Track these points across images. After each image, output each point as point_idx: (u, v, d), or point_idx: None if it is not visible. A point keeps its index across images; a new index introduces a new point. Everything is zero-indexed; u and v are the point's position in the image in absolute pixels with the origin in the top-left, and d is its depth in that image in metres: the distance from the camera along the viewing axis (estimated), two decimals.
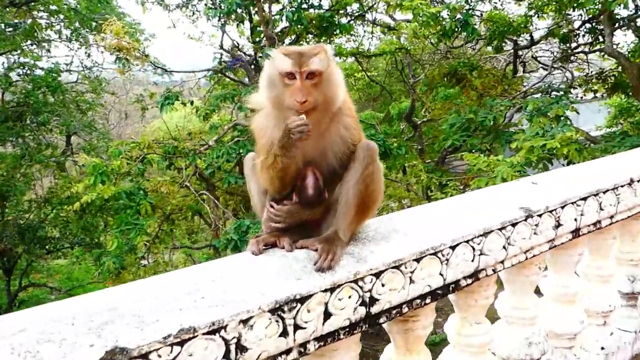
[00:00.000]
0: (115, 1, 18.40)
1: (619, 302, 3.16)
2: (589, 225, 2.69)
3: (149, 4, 12.23)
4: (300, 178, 1.93)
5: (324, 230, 1.92)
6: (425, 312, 2.08)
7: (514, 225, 2.25)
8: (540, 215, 2.37)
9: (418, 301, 1.95)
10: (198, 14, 13.58)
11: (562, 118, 9.47)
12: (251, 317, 1.47)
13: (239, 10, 11.67)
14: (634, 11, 14.14)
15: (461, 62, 14.37)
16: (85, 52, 17.35)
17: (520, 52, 18.60)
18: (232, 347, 1.44)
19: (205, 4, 12.06)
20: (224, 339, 1.42)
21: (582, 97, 16.32)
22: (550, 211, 2.42)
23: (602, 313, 3.06)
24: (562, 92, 11.23)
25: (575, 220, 2.57)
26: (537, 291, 2.85)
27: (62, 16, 16.33)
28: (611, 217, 2.83)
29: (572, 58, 17.73)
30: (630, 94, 15.07)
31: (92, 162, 9.44)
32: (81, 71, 17.88)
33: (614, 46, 13.53)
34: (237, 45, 13.25)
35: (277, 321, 1.53)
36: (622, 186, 2.83)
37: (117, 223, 9.75)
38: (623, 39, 16.45)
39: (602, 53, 15.18)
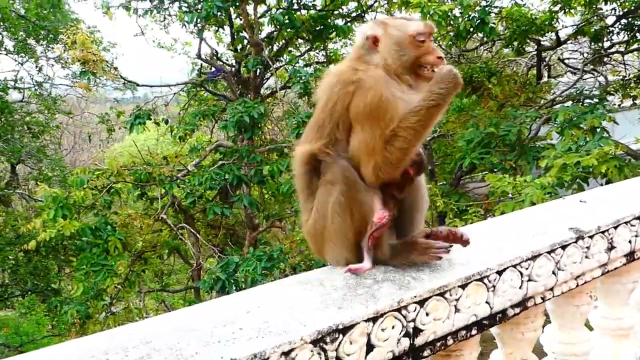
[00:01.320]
0: (68, 5, 18.67)
1: None
2: None
3: (113, 9, 12.45)
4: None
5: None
6: (470, 345, 2.22)
7: (563, 247, 2.41)
8: (591, 237, 2.53)
9: (463, 332, 2.10)
10: (170, 19, 13.85)
11: (598, 130, 9.70)
12: (293, 349, 1.62)
13: (218, 14, 11.94)
14: None
15: (477, 68, 14.65)
16: (36, 66, 17.55)
17: (544, 54, 18.99)
18: None
19: (180, 7, 12.33)
20: None
21: (619, 105, 16.61)
22: (602, 232, 2.59)
23: None
24: (596, 100, 11.49)
25: (630, 242, 2.74)
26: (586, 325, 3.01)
27: (4, 24, 16.55)
28: None
29: (605, 59, 18.11)
30: None
31: (52, 193, 9.55)
32: (30, 88, 18.07)
33: None
34: (215, 54, 13.50)
35: (319, 353, 1.67)
36: None
37: (81, 264, 9.83)
38: None
39: None
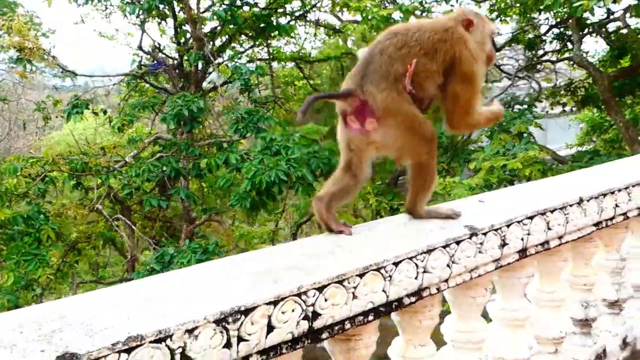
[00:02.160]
0: None
1: (571, 328, 3.62)
2: (536, 245, 3.12)
3: None
4: None
5: None
6: (368, 330, 2.43)
7: (458, 243, 2.64)
8: (485, 234, 2.78)
9: (361, 318, 2.30)
10: (112, 9, 13.75)
11: (524, 135, 10.17)
12: (196, 327, 1.78)
13: (161, 7, 11.94)
14: (605, 16, 15.25)
15: None
16: None
17: None
18: (177, 357, 1.73)
19: None
20: (169, 348, 1.72)
21: (547, 112, 17.27)
22: (496, 229, 2.84)
23: (553, 340, 3.50)
24: (525, 106, 12.00)
25: (522, 239, 3.00)
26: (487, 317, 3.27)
27: None
28: (560, 237, 3.28)
29: (539, 67, 18.79)
30: (602, 107, 16.06)
31: None
32: None
33: (583, 54, 14.51)
34: (158, 46, 13.47)
35: (221, 332, 1.84)
36: (570, 205, 3.29)
37: (12, 253, 9.70)
38: (594, 46, 17.57)
39: (571, 62, 16.16)
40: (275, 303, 1.99)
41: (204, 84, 14.52)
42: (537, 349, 3.35)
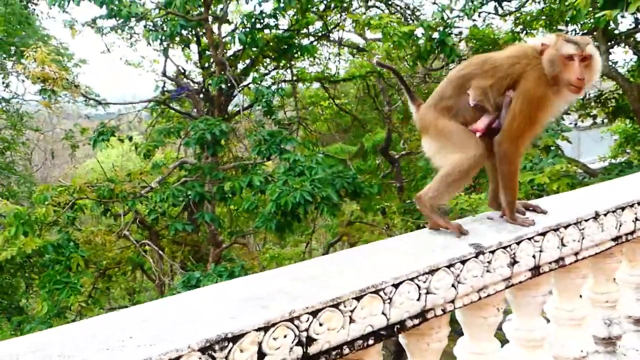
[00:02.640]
0: (39, 22, 18.70)
1: (592, 347, 3.49)
2: (549, 263, 3.02)
3: (79, 26, 12.56)
4: None
5: None
6: (370, 354, 2.36)
7: (463, 262, 2.57)
8: (492, 252, 2.70)
9: (360, 342, 2.23)
10: (137, 37, 13.99)
11: (552, 148, 9.99)
12: (180, 357, 1.74)
13: (184, 32, 12.11)
14: (633, 25, 15.00)
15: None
16: (3, 82, 17.52)
17: None
18: None
19: (145, 26, 12.47)
20: None
21: (576, 124, 17.01)
22: (504, 247, 2.76)
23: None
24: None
25: (534, 257, 2.91)
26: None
27: None
28: (576, 253, 3.17)
29: None
30: (634, 118, 15.75)
31: (13, 210, 9.56)
32: None
33: (612, 65, 14.28)
34: (182, 71, 13.65)
35: None
36: (586, 220, 3.18)
37: (44, 282, 9.82)
38: (623, 56, 17.34)
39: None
40: (265, 329, 1.95)
41: (230, 108, 14.65)
42: None
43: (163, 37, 11.70)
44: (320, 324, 2.08)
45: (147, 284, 16.62)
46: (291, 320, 2.01)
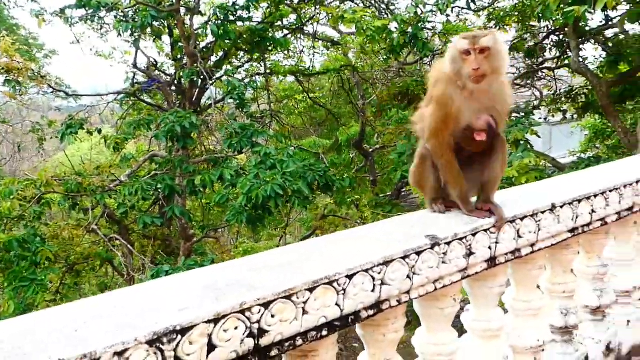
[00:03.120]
0: (7, 11, 18.39)
1: (549, 337, 3.55)
2: (506, 254, 3.07)
3: (48, 16, 12.37)
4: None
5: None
6: (325, 345, 2.39)
7: (418, 253, 2.60)
8: (448, 244, 2.73)
9: (314, 333, 2.25)
10: (107, 27, 13.82)
11: (521, 142, 10.10)
12: (127, 350, 1.74)
13: (155, 24, 11.99)
14: (603, 22, 15.21)
15: (413, 80, 15.00)
16: None
17: None
18: None
19: (115, 17, 12.33)
20: None
21: (546, 119, 17.23)
22: (460, 239, 2.79)
23: (531, 349, 3.44)
24: (523, 114, 11.94)
25: (490, 248, 2.95)
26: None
27: None
28: (532, 245, 3.22)
29: (540, 74, 18.75)
30: (603, 114, 15.98)
31: None
32: None
33: (581, 61, 14.47)
34: (154, 63, 13.53)
35: (155, 353, 1.80)
36: (542, 212, 3.23)
37: (9, 279, 9.65)
38: (594, 53, 17.58)
39: (570, 69, 16.11)
40: (215, 321, 1.95)
41: (202, 101, 14.57)
42: (513, 359, 3.29)
43: (134, 28, 11.57)
44: (273, 316, 2.10)
45: (118, 279, 16.50)
46: (242, 312, 2.02)
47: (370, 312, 2.46)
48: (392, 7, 16.70)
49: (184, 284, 2.17)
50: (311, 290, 2.21)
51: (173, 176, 10.75)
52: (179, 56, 13.84)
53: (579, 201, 3.46)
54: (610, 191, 3.68)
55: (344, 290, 2.32)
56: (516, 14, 15.80)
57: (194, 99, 13.06)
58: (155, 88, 12.82)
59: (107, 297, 2.09)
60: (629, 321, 4.10)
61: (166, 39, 14.55)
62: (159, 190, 10.33)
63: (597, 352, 3.84)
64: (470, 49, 2.87)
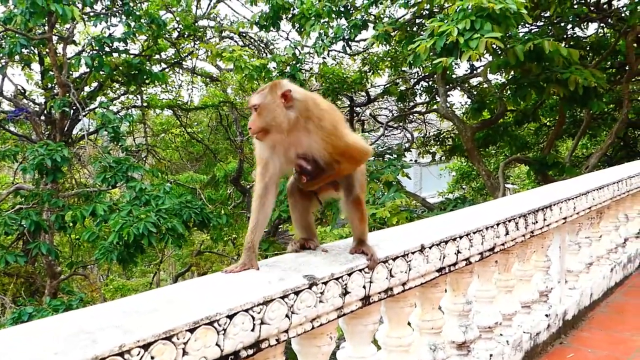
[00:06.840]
0: None
1: None
2: (379, 293, 3.23)
3: None
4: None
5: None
6: None
7: (297, 293, 2.69)
8: (325, 283, 2.84)
9: None
10: None
11: (393, 184, 10.55)
12: None
13: (25, 51, 11.52)
14: (468, 71, 16.32)
15: None
16: None
17: (358, 110, 20.25)
18: None
19: None
20: None
21: (416, 161, 18.12)
22: (336, 279, 2.91)
23: None
24: (395, 155, 12.49)
25: (364, 287, 3.10)
26: None
27: None
28: (403, 284, 3.41)
29: (411, 117, 19.73)
30: (468, 157, 17.01)
31: None
32: None
33: (448, 107, 15.41)
34: (22, 91, 12.94)
35: None
36: (412, 252, 3.44)
37: None
38: (461, 99, 18.77)
39: (439, 113, 17.10)
40: None
41: (74, 132, 14.08)
42: None
43: (1, 55, 11.06)
44: (152, 357, 2.09)
45: None
46: (121, 354, 2.00)
47: (250, 352, 2.51)
48: (271, 47, 17.03)
49: (56, 327, 2.11)
50: (192, 330, 2.23)
51: (40, 210, 10.24)
52: (49, 85, 13.34)
53: (446, 242, 3.71)
54: (474, 233, 3.97)
55: (224, 330, 2.36)
56: (389, 59, 16.63)
57: (65, 130, 12.59)
58: (23, 117, 12.24)
59: None
60: (491, 355, 4.38)
61: (36, 66, 14.02)
62: (23, 226, 9.81)
63: None
64: (251, 107, 2.92)
